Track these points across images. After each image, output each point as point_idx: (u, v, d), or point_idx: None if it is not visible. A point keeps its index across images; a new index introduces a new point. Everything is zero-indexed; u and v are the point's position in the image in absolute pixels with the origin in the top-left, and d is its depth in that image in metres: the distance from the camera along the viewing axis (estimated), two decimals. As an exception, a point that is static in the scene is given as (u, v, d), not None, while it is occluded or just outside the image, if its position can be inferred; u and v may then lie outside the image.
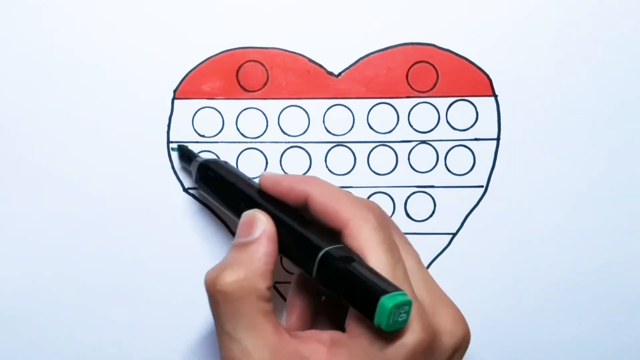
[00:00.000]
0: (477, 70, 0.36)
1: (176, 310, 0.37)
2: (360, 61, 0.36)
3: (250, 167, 0.36)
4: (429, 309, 0.28)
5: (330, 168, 0.36)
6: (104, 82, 0.36)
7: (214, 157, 0.36)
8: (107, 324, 0.37)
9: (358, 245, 0.27)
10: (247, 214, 0.29)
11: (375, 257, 0.27)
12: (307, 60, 0.36)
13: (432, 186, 0.36)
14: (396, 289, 0.25)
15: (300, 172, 0.36)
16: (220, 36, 0.36)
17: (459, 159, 0.36)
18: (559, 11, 0.36)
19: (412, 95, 0.36)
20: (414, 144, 0.36)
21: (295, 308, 0.31)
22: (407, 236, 0.36)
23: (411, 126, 0.36)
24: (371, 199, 0.36)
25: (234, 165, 0.36)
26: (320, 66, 0.36)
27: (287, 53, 0.36)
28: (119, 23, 0.36)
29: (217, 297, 0.27)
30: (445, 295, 0.30)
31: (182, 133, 0.36)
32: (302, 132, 0.36)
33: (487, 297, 0.37)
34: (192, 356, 0.37)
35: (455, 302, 0.37)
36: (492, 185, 0.37)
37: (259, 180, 0.31)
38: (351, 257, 0.27)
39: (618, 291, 0.37)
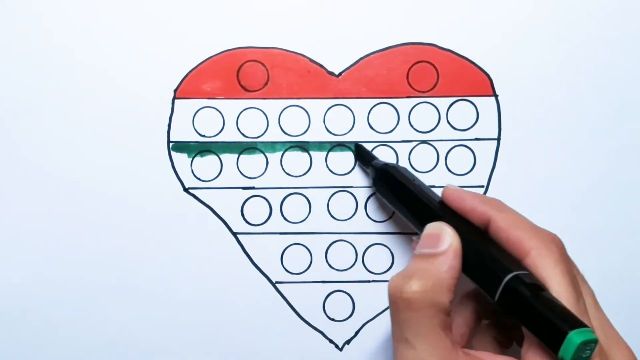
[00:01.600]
0: (478, 70, 0.36)
1: (176, 310, 0.37)
2: (361, 61, 0.36)
3: (251, 167, 0.36)
4: (605, 348, 0.27)
5: (330, 168, 0.36)
6: (105, 82, 0.36)
7: (388, 160, 0.36)
8: (106, 323, 0.37)
9: (541, 275, 0.27)
10: (434, 226, 0.30)
11: (559, 289, 0.27)
12: (307, 60, 0.36)
13: (433, 186, 0.36)
14: (584, 325, 0.25)
15: (301, 172, 0.36)
16: (220, 36, 0.36)
17: (460, 159, 0.36)
18: (560, 11, 0.36)
19: (412, 95, 0.36)
20: (414, 143, 0.36)
21: (455, 324, 0.31)
22: (407, 236, 0.37)
23: (412, 126, 0.36)
24: (372, 198, 0.36)
25: (407, 170, 0.35)
26: (321, 66, 0.36)
27: (287, 53, 0.36)
28: (119, 23, 0.36)
29: (401, 304, 0.27)
30: (619, 336, 0.29)
31: (182, 133, 0.36)
32: (302, 132, 0.36)
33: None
34: (192, 356, 0.37)
35: (456, 302, 0.37)
36: (492, 185, 0.36)
37: (442, 193, 0.31)
38: (540, 286, 0.27)
39: (618, 291, 0.37)
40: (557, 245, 0.28)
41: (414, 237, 0.33)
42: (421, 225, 0.31)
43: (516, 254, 0.28)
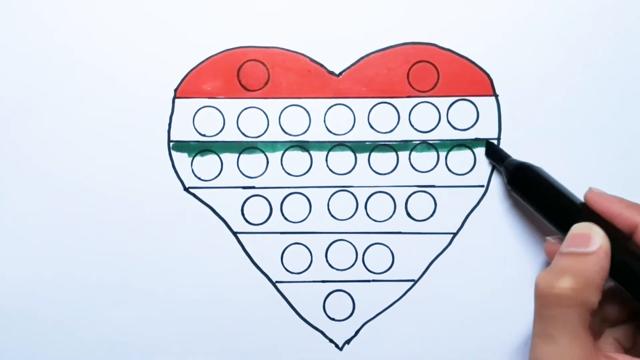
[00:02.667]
0: (478, 70, 0.36)
1: (176, 310, 0.37)
2: (361, 61, 0.36)
3: (251, 167, 0.36)
4: None
5: (331, 167, 0.36)
6: (105, 82, 0.36)
7: (521, 160, 0.35)
8: (106, 322, 0.37)
9: None
10: (583, 226, 0.30)
11: None
12: (308, 59, 0.36)
13: (433, 186, 0.36)
14: None
15: (301, 172, 0.36)
16: (221, 35, 0.36)
17: (460, 159, 0.36)
18: (560, 11, 0.36)
19: (412, 95, 0.36)
20: (414, 143, 0.36)
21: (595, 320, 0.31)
22: (407, 236, 0.37)
23: (412, 126, 0.36)
24: (372, 198, 0.36)
25: (543, 170, 0.35)
26: (321, 65, 0.36)
27: (288, 52, 0.36)
28: (119, 23, 0.36)
29: (550, 299, 0.28)
30: None
31: (182, 132, 0.36)
32: (302, 131, 0.36)
33: (487, 297, 0.37)
34: (192, 355, 0.37)
35: (455, 302, 0.37)
36: (492, 185, 0.37)
37: (586, 195, 0.32)
38: None
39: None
40: None
41: (549, 238, 0.33)
42: (561, 226, 0.31)
43: None
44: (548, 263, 0.37)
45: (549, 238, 0.33)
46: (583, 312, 0.27)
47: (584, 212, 0.31)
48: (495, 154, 0.36)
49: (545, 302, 0.28)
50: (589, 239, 0.29)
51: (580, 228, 0.30)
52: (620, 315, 0.32)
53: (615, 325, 0.32)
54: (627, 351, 0.32)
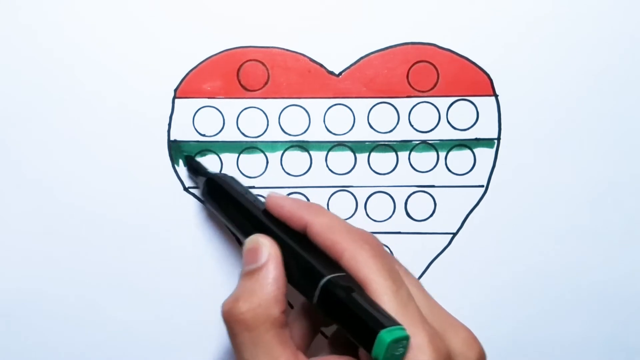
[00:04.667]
0: (478, 70, 0.36)
1: (176, 309, 0.37)
2: (361, 61, 0.36)
3: (251, 167, 0.36)
4: (440, 332, 0.27)
5: (330, 167, 0.36)
6: (105, 81, 0.36)
7: (216, 172, 0.36)
8: (105, 323, 0.37)
9: (357, 275, 0.27)
10: (251, 240, 0.30)
11: (376, 285, 0.27)
12: (307, 59, 0.36)
13: (433, 186, 0.36)
14: (395, 323, 0.25)
15: (301, 172, 0.36)
16: (220, 35, 0.36)
17: (460, 159, 0.36)
18: (560, 11, 0.36)
19: (412, 95, 0.36)
20: (414, 143, 0.36)
21: (296, 330, 0.31)
22: (407, 236, 0.37)
23: (412, 126, 0.36)
24: (371, 198, 0.37)
25: (236, 180, 0.35)
26: (321, 66, 0.36)
27: (287, 52, 0.36)
28: (119, 22, 0.36)
29: (234, 326, 0.27)
30: (454, 318, 0.29)
31: (182, 132, 0.36)
32: (302, 131, 0.36)
33: (487, 297, 0.37)
34: (192, 355, 0.37)
35: (455, 302, 0.37)
36: (492, 185, 0.37)
37: (266, 200, 0.31)
38: (352, 287, 0.27)
39: (618, 291, 0.37)
40: (369, 243, 0.28)
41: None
42: (246, 236, 0.31)
43: (333, 257, 0.28)
44: (547, 262, 0.37)
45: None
46: (271, 329, 0.27)
47: (265, 219, 0.31)
48: (193, 169, 0.36)
49: (232, 330, 0.28)
50: (258, 252, 0.29)
51: (249, 243, 0.29)
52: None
53: (329, 324, 0.32)
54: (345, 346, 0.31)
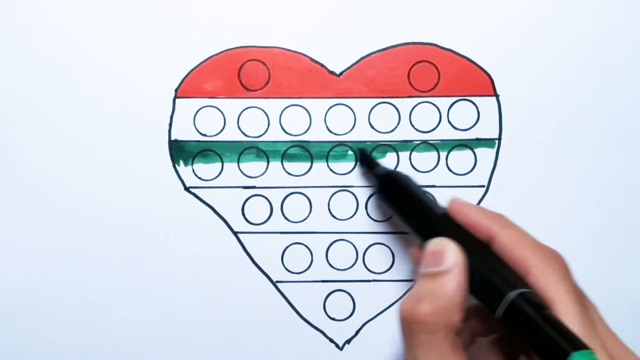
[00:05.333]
0: (479, 70, 0.36)
1: (176, 309, 0.37)
2: (362, 61, 0.36)
3: (252, 167, 0.36)
4: None
5: (331, 167, 0.36)
6: (106, 81, 0.36)
7: (390, 168, 0.36)
8: (106, 322, 0.37)
9: (545, 293, 0.27)
10: (437, 243, 0.29)
11: (565, 307, 0.26)
12: (308, 59, 0.36)
13: (434, 186, 0.36)
14: (586, 347, 0.25)
15: (302, 171, 0.36)
16: (221, 35, 0.36)
17: (460, 159, 0.36)
18: (560, 11, 0.36)
19: (413, 95, 0.36)
20: (415, 143, 0.36)
21: (462, 332, 0.30)
22: (408, 236, 0.37)
23: (412, 126, 0.36)
24: (372, 198, 0.36)
25: (411, 178, 0.35)
26: (322, 65, 0.36)
27: (288, 52, 0.36)
28: (120, 22, 0.36)
29: (413, 327, 0.27)
30: (627, 349, 0.29)
31: (183, 132, 0.36)
32: (303, 131, 0.36)
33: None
34: (192, 354, 0.37)
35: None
36: (493, 185, 0.37)
37: (448, 205, 0.31)
38: (543, 305, 0.26)
39: (618, 291, 0.37)
40: (560, 263, 0.28)
41: (415, 247, 0.33)
42: (424, 238, 0.30)
43: (519, 271, 0.28)
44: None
45: (416, 247, 0.32)
46: (448, 335, 0.27)
47: (445, 223, 0.31)
48: (366, 162, 0.36)
49: (409, 331, 0.27)
50: (443, 256, 0.28)
51: (434, 245, 0.29)
52: (496, 328, 0.31)
53: (487, 334, 0.32)
54: (505, 355, 0.31)
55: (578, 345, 0.25)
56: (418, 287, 0.28)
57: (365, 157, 0.36)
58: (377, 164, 0.35)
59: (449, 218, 0.31)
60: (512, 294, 0.27)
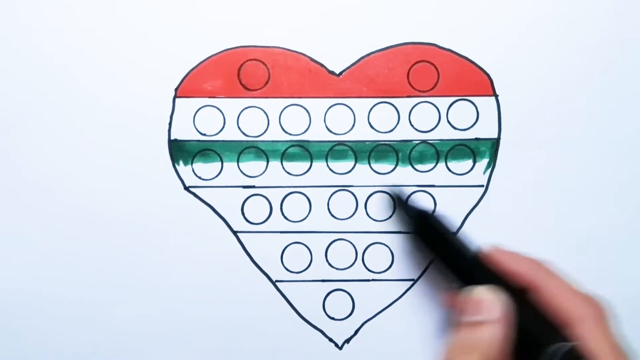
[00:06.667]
0: (478, 70, 0.36)
1: (176, 309, 0.37)
2: (361, 60, 0.36)
3: (251, 166, 0.36)
4: None
5: (330, 167, 0.36)
6: (106, 81, 0.36)
7: (423, 207, 0.36)
8: (106, 322, 0.37)
9: (588, 345, 0.27)
10: (482, 292, 0.29)
11: None
12: (308, 59, 0.36)
13: (433, 185, 0.37)
14: None
15: (301, 171, 0.36)
16: (221, 35, 0.36)
17: (460, 159, 0.36)
18: (560, 11, 0.36)
19: (412, 95, 0.36)
20: (414, 143, 0.36)
21: None
22: (407, 235, 0.37)
23: (412, 125, 0.36)
24: (372, 197, 0.37)
25: (445, 218, 0.35)
26: (322, 65, 0.36)
27: (288, 52, 0.36)
28: (120, 22, 0.36)
29: None
30: None
31: (183, 131, 0.36)
32: (303, 131, 0.36)
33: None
34: (192, 354, 0.37)
35: (456, 302, 0.37)
36: (492, 185, 0.37)
37: (490, 252, 0.31)
38: (589, 358, 0.27)
39: (618, 291, 0.37)
40: (603, 314, 0.29)
41: (450, 291, 0.33)
42: (462, 283, 0.30)
43: (562, 322, 0.28)
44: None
45: (451, 290, 0.33)
46: None
47: (483, 268, 0.31)
48: (400, 202, 0.36)
49: None
50: (491, 306, 0.29)
51: (481, 293, 0.29)
52: None
53: None
54: None
55: None
56: (464, 335, 0.29)
57: (400, 198, 0.36)
58: (413, 204, 0.35)
59: (486, 263, 0.31)
60: (562, 347, 0.27)
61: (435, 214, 0.35)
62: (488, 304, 0.29)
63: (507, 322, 0.28)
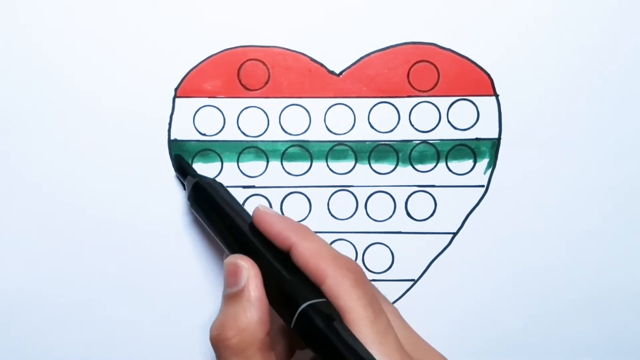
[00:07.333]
0: (478, 69, 0.36)
1: (176, 309, 0.37)
2: (362, 60, 0.36)
3: (251, 166, 0.36)
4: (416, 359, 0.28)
5: (330, 167, 0.36)
6: (105, 81, 0.36)
7: (205, 175, 0.36)
8: (106, 322, 0.37)
9: (337, 301, 0.28)
10: (230, 263, 0.29)
11: (356, 314, 0.27)
12: (308, 59, 0.36)
13: (433, 185, 0.36)
14: (371, 356, 0.25)
15: (301, 171, 0.36)
16: (221, 34, 0.36)
17: (460, 159, 0.36)
18: (560, 11, 0.36)
19: (413, 95, 0.36)
20: (415, 143, 0.36)
21: (277, 349, 0.31)
22: (407, 235, 0.37)
23: (412, 125, 0.36)
24: (372, 197, 0.37)
25: (223, 186, 0.35)
26: (322, 65, 0.36)
27: (288, 52, 0.36)
28: (120, 22, 0.36)
29: (222, 352, 0.28)
30: (431, 347, 0.30)
31: (183, 131, 0.36)
32: (303, 131, 0.36)
33: (488, 297, 0.37)
34: (191, 354, 0.37)
35: (455, 302, 0.37)
36: (492, 185, 0.37)
37: (253, 214, 0.31)
38: (332, 316, 0.27)
39: (618, 291, 0.37)
40: (352, 271, 0.29)
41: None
42: (232, 251, 0.30)
43: (315, 282, 0.28)
44: (547, 262, 0.37)
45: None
46: (257, 352, 0.27)
47: (251, 233, 0.31)
48: (181, 170, 0.35)
49: (220, 355, 0.28)
50: (238, 274, 0.29)
51: (229, 264, 0.29)
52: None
53: (304, 347, 0.32)
54: None
55: (362, 354, 0.25)
56: (221, 310, 0.29)
57: (180, 162, 0.35)
58: (192, 171, 0.35)
59: (254, 228, 0.31)
60: (303, 305, 0.27)
61: (212, 181, 0.34)
62: (236, 273, 0.29)
63: (256, 287, 0.28)
